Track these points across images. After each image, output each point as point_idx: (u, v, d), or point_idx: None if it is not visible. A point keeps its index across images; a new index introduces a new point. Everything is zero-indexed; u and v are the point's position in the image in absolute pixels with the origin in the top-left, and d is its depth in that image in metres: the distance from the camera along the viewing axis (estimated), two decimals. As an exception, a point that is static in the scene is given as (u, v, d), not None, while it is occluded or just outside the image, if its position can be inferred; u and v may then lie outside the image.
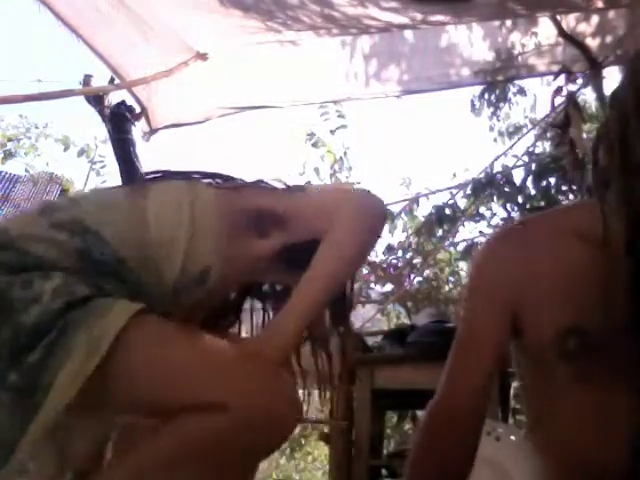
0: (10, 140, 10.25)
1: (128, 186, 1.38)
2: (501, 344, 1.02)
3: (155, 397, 1.08)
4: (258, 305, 1.47)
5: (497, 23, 3.40)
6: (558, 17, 3.37)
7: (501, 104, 5.74)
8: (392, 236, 5.92)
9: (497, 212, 5.28)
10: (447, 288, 6.19)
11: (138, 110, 4.34)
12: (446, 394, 1.04)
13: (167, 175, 1.36)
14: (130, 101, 4.41)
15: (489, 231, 5.34)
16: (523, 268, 0.99)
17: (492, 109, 5.80)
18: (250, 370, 1.09)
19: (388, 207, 5.87)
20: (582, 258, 0.95)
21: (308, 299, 1.20)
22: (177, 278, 1.23)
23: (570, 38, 3.45)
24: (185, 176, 1.35)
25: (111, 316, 1.06)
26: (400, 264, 5.80)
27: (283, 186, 1.37)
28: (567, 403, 0.97)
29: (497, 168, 5.02)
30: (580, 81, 4.10)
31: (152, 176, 1.36)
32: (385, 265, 5.84)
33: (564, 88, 3.82)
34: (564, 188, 4.71)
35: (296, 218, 1.28)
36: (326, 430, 2.75)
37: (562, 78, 3.74)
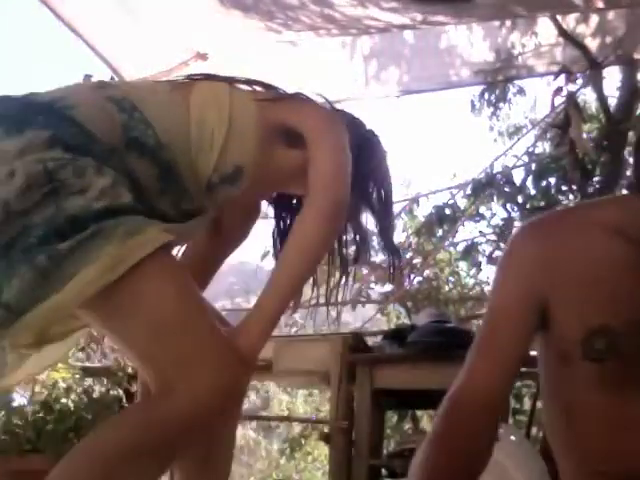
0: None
1: (175, 80, 1.44)
2: (528, 332, 0.98)
3: (130, 334, 1.14)
4: None
5: (497, 23, 3.40)
6: (558, 17, 3.37)
7: (501, 104, 5.75)
8: (392, 236, 5.92)
9: (497, 212, 5.29)
10: (447, 288, 6.19)
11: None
12: (472, 377, 0.98)
13: (210, 77, 1.42)
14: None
15: (489, 231, 5.35)
16: (555, 260, 0.95)
17: (492, 109, 5.81)
18: (218, 366, 1.13)
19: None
20: (620, 255, 0.90)
21: (276, 301, 1.25)
22: (210, 174, 1.30)
23: (570, 38, 3.45)
24: (228, 80, 1.41)
25: (142, 238, 1.11)
26: (400, 264, 5.80)
27: (322, 101, 1.45)
28: (589, 404, 0.94)
29: (497, 168, 5.03)
30: (580, 81, 4.10)
31: (197, 76, 1.42)
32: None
33: (564, 88, 3.82)
34: (564, 188, 4.72)
35: (316, 148, 1.32)
36: (326, 430, 2.75)
37: (562, 78, 3.74)
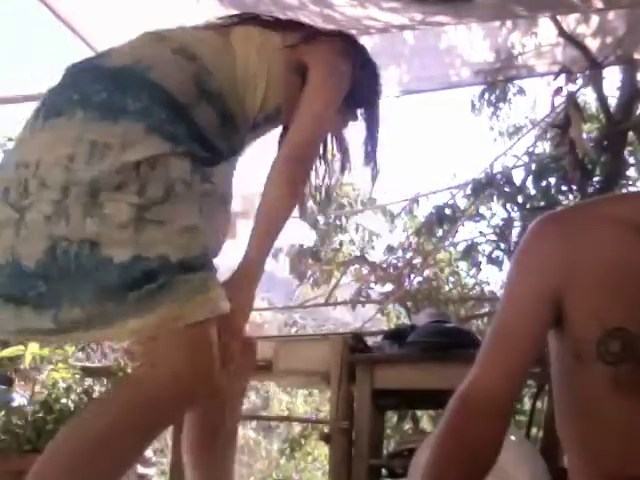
0: (10, 140, 10.26)
1: (211, 27, 1.55)
2: (542, 330, 0.95)
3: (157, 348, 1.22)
4: None
5: (497, 23, 3.40)
6: (558, 17, 3.37)
7: (501, 104, 5.75)
8: (392, 236, 5.93)
9: (497, 212, 5.29)
10: (447, 288, 6.19)
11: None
12: (481, 376, 0.96)
13: (244, 20, 1.56)
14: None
15: (489, 231, 5.35)
16: (575, 257, 0.91)
17: (492, 109, 5.81)
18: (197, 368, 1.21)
19: (388, 207, 5.88)
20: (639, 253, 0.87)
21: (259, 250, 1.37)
22: (256, 114, 1.44)
23: (570, 38, 3.45)
24: (262, 22, 1.55)
25: (204, 300, 1.20)
26: (400, 264, 5.81)
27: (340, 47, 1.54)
28: (603, 405, 0.91)
29: (497, 168, 5.03)
30: (580, 81, 4.10)
31: (233, 19, 1.56)
32: (385, 265, 5.85)
33: (564, 88, 3.82)
34: (564, 188, 4.72)
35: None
36: (326, 430, 2.75)
37: (562, 78, 3.74)
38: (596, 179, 4.53)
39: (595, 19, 3.35)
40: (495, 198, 5.10)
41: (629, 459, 0.90)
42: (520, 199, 4.85)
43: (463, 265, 6.05)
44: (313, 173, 1.59)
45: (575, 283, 0.91)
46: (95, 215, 1.14)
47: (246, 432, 9.46)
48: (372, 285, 5.94)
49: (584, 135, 4.27)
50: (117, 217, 1.14)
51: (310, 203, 1.73)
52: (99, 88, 1.25)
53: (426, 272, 6.01)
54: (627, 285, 0.88)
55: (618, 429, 0.91)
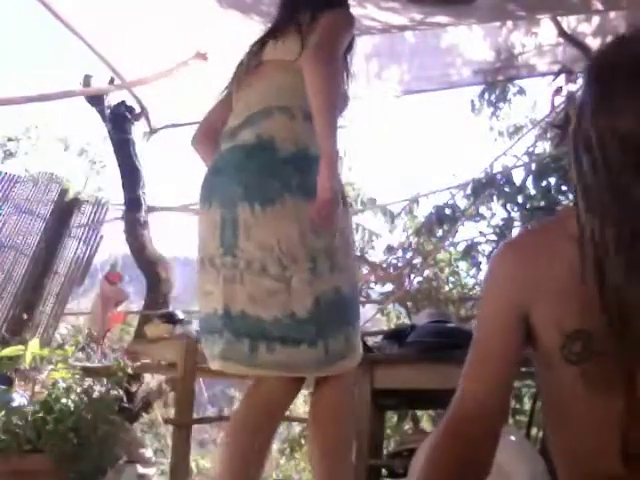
0: (10, 140, 10.25)
1: (286, 65, 1.76)
2: (514, 342, 1.02)
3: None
4: None
5: (498, 23, 3.40)
6: (559, 17, 3.37)
7: (501, 104, 5.75)
8: (392, 236, 5.93)
9: (497, 212, 5.28)
10: (447, 288, 6.18)
11: (138, 110, 4.34)
12: (464, 388, 1.02)
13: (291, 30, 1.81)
14: (130, 101, 4.41)
15: (489, 231, 5.35)
16: (530, 276, 1.00)
17: (492, 109, 5.81)
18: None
19: (388, 207, 5.87)
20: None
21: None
22: None
23: (570, 38, 3.45)
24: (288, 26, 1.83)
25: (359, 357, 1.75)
26: (400, 264, 5.80)
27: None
28: (574, 408, 0.98)
29: (497, 168, 5.03)
30: (580, 81, 4.10)
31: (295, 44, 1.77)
32: (385, 265, 5.84)
33: (564, 88, 3.82)
34: (564, 188, 4.71)
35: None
36: (326, 430, 2.74)
37: (562, 78, 3.74)
38: (596, 179, 4.51)
39: (596, 18, 3.35)
40: (495, 198, 5.09)
41: (607, 455, 0.93)
42: (520, 199, 4.84)
43: (463, 265, 6.04)
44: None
45: (536, 300, 1.00)
46: (337, 270, 1.63)
47: (246, 432, 9.44)
48: (372, 285, 5.94)
49: (584, 135, 4.26)
50: (346, 267, 1.65)
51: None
52: (291, 174, 1.61)
53: (426, 272, 6.00)
54: (580, 292, 0.93)
55: (591, 426, 0.96)
